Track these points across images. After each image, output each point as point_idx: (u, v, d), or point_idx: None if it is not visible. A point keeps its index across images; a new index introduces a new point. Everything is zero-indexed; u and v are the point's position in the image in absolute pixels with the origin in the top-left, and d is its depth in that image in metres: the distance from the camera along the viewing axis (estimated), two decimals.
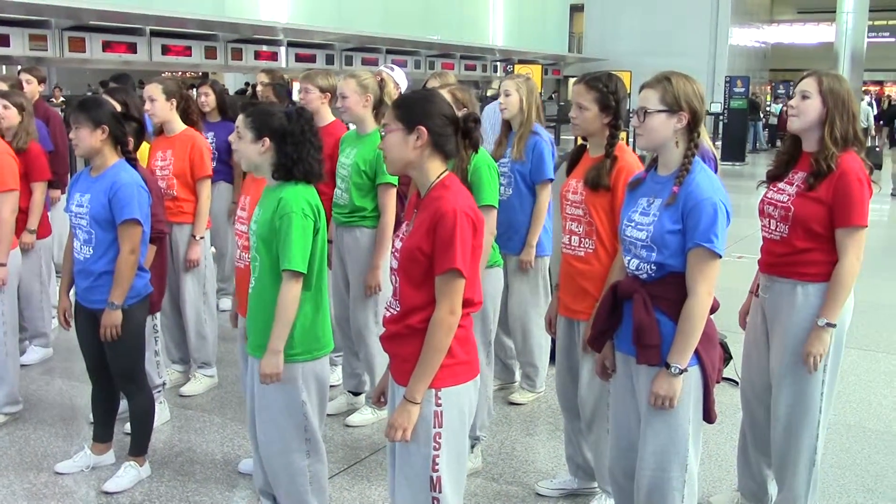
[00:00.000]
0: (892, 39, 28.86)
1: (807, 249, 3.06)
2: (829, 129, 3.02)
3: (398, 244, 2.54)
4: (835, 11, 19.69)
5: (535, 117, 4.51)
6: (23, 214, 4.95)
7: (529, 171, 4.49)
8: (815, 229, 3.04)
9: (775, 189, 3.19)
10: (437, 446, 2.48)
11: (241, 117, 3.07)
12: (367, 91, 4.27)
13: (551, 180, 4.51)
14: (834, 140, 3.01)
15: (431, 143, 2.46)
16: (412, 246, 2.45)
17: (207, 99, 6.00)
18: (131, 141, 3.77)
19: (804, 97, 3.07)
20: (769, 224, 3.18)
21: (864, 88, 23.17)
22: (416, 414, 2.45)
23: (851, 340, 4.87)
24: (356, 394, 4.67)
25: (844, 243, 3.01)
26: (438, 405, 2.47)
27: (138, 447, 3.84)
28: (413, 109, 2.48)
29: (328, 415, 4.32)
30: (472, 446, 3.95)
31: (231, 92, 20.47)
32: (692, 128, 2.67)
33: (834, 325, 3.04)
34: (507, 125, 4.59)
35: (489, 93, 18.82)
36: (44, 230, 5.25)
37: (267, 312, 2.98)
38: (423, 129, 2.45)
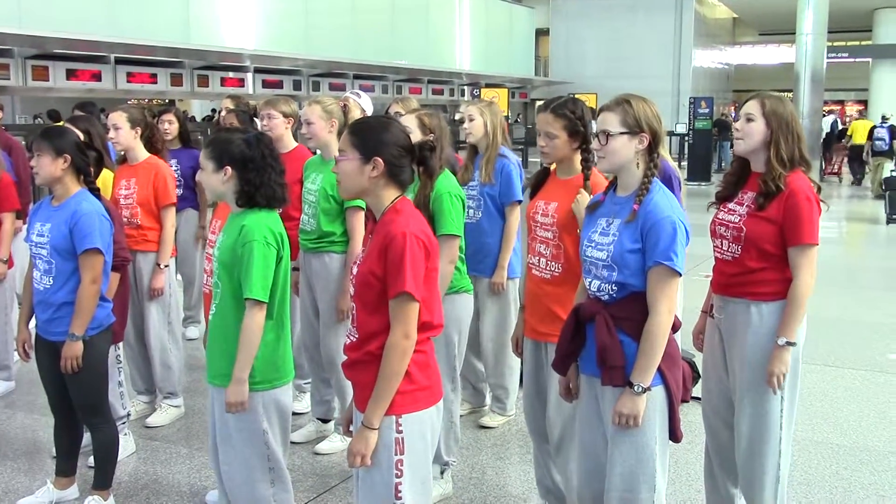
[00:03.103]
0: (851, 60, 29.44)
1: (759, 269, 3.09)
2: (774, 150, 3.07)
3: (355, 270, 2.53)
4: (794, 33, 20.06)
5: (500, 140, 4.55)
6: None
7: (499, 194, 4.53)
8: (767, 249, 3.07)
9: (726, 209, 3.22)
10: (400, 473, 2.46)
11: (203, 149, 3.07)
12: (331, 116, 4.28)
13: (520, 202, 4.54)
14: (780, 161, 3.06)
15: (387, 173, 2.47)
16: (365, 270, 2.45)
17: (171, 127, 5.98)
18: (92, 171, 3.73)
19: (749, 119, 3.12)
20: (721, 244, 3.21)
21: (825, 109, 23.63)
22: (373, 440, 2.43)
23: (815, 357, 4.94)
24: (325, 421, 4.62)
25: (797, 262, 3.05)
26: (399, 432, 2.45)
27: (102, 480, 3.77)
28: (369, 139, 2.48)
29: (297, 443, 4.30)
30: (442, 472, 3.93)
31: (198, 119, 20.36)
32: (652, 149, 2.70)
33: (794, 344, 3.07)
34: (472, 149, 4.62)
35: (457, 116, 18.89)
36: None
37: (227, 340, 2.95)
38: (380, 160, 2.46)
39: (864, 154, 18.76)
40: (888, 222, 13.37)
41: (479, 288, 4.64)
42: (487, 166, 4.52)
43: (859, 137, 19.13)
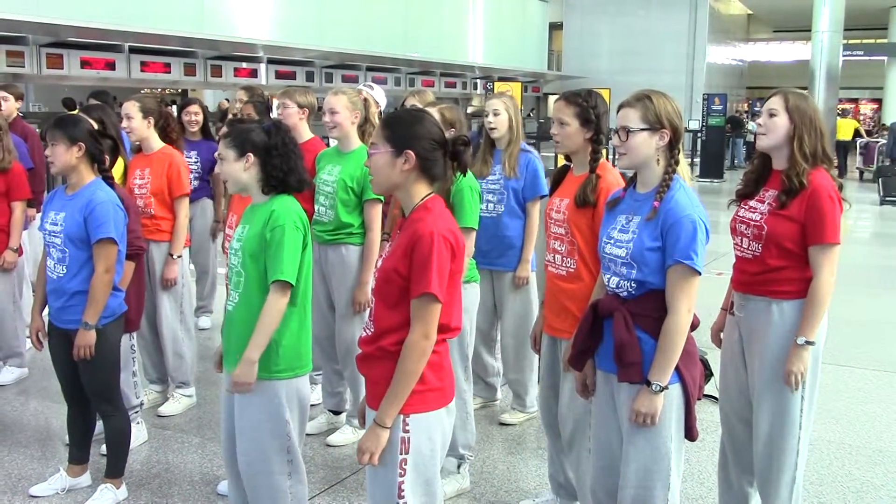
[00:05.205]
0: (867, 58, 29.27)
1: (780, 267, 3.07)
2: (797, 144, 3.04)
3: (379, 263, 2.52)
4: (810, 30, 19.94)
5: (521, 134, 4.53)
6: (2, 233, 4.90)
7: (523, 188, 4.49)
8: (787, 247, 3.05)
9: (747, 207, 3.20)
10: (403, 472, 2.44)
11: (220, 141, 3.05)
12: (356, 108, 4.29)
13: (544, 196, 4.51)
14: (804, 156, 3.04)
15: (419, 167, 2.45)
16: (389, 267, 2.43)
17: (197, 118, 6.00)
18: (107, 159, 3.74)
19: (771, 115, 3.09)
20: (741, 242, 3.19)
21: (839, 107, 23.54)
22: (384, 438, 2.41)
23: (830, 357, 4.91)
24: (336, 413, 4.63)
25: (818, 261, 3.02)
26: (406, 431, 2.43)
27: (115, 468, 3.79)
28: (402, 132, 2.45)
29: (309, 434, 4.30)
30: (459, 465, 3.93)
31: (211, 109, 20.47)
32: (673, 145, 2.68)
33: (813, 343, 3.04)
34: (489, 143, 4.58)
35: (469, 110, 18.87)
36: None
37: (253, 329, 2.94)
38: (411, 153, 2.43)
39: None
40: (882, 203, 15.80)
41: (501, 283, 4.62)
42: (510, 160, 4.47)
43: (843, 134, 21.19)
